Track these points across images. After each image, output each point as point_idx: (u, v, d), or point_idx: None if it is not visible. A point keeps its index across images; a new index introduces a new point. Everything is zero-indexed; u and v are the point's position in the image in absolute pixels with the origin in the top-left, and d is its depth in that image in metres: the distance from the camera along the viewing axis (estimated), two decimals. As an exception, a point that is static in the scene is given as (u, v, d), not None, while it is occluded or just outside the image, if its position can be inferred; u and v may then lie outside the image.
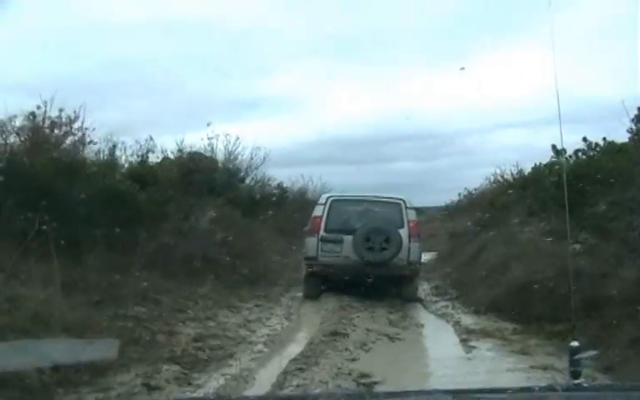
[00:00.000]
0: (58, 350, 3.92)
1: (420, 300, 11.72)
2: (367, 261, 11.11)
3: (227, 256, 12.07)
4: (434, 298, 12.01)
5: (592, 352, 2.07)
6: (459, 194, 23.01)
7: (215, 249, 11.90)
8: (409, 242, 11.31)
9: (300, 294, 11.90)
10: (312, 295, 11.46)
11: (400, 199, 11.89)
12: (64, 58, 20.77)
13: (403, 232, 11.35)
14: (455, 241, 16.95)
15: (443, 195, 23.69)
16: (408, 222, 11.52)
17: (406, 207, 11.68)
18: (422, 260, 12.80)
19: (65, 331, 5.71)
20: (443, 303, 11.22)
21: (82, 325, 6.20)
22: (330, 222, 11.59)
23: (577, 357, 1.96)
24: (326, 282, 11.54)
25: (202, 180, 14.79)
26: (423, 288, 13.01)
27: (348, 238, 11.31)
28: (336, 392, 4.91)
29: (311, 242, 11.60)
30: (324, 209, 11.77)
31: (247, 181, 19.06)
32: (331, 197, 12.39)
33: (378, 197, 12.24)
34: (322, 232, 11.51)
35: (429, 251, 18.26)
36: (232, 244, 12.54)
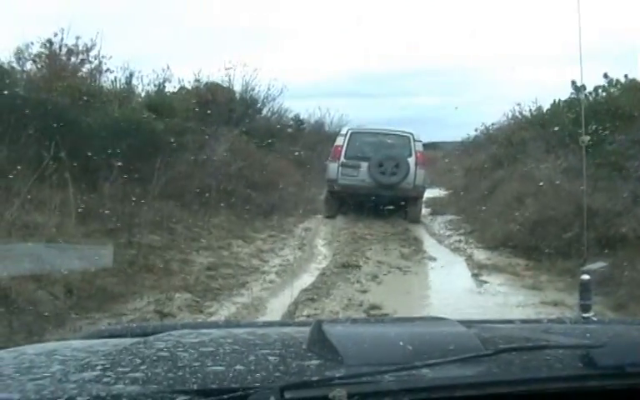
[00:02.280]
0: (51, 255, 3.92)
1: (424, 225, 12.87)
2: (380, 183, 12.92)
3: (242, 187, 12.12)
4: (447, 233, 11.98)
5: (601, 264, 2.02)
6: (476, 130, 22.69)
7: (230, 180, 11.93)
8: (416, 168, 13.09)
9: (313, 226, 12.13)
10: (331, 213, 13.26)
11: (409, 133, 13.68)
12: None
13: (411, 161, 13.14)
14: (471, 176, 16.77)
15: (461, 130, 23.29)
16: (415, 152, 13.29)
17: (414, 140, 13.46)
18: (438, 195, 14.53)
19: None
20: (457, 238, 11.19)
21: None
22: (349, 150, 13.37)
23: (585, 268, 1.91)
24: (343, 203, 13.53)
25: (218, 111, 14.68)
26: (438, 222, 13.13)
27: (364, 164, 13.11)
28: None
29: (332, 167, 13.41)
30: (344, 139, 13.58)
31: (264, 112, 18.91)
32: (350, 129, 14.30)
33: (391, 130, 14.02)
34: (342, 159, 13.30)
35: (445, 186, 18.25)
36: (247, 175, 12.62)
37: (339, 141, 13.75)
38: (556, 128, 12.18)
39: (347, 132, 14.04)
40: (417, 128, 13.61)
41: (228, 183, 11.76)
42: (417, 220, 13.16)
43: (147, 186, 9.03)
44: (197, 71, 16.68)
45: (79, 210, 7.11)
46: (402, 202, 13.19)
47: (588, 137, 9.98)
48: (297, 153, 17.03)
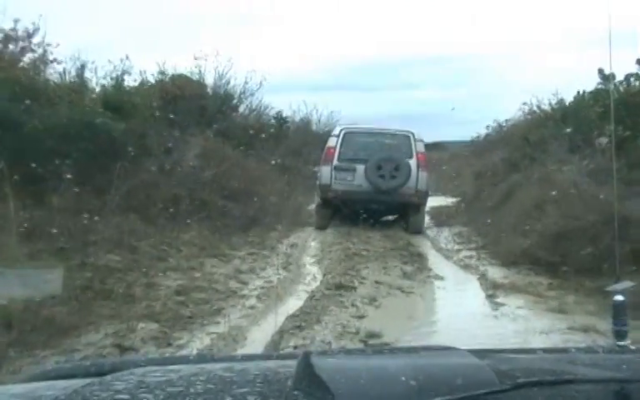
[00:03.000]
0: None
1: (427, 235, 13.21)
2: (378, 188, 13.38)
3: (217, 197, 12.13)
4: (456, 247, 12.04)
5: (628, 284, 1.99)
6: (487, 127, 22.84)
7: (202, 189, 11.96)
8: (417, 171, 13.56)
9: (300, 242, 12.19)
10: (323, 224, 13.66)
11: (409, 132, 14.16)
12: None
13: (412, 162, 13.58)
14: (482, 181, 16.83)
15: (470, 128, 23.52)
16: (417, 153, 13.75)
17: (414, 139, 13.92)
18: (443, 203, 14.82)
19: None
20: (467, 253, 11.23)
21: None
22: (343, 152, 13.83)
23: (610, 288, 1.89)
24: (337, 211, 13.94)
25: (187, 108, 14.67)
26: (444, 235, 13.18)
27: (360, 167, 13.58)
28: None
29: (325, 171, 13.84)
30: (337, 140, 14.03)
31: (241, 109, 18.92)
32: (344, 128, 14.71)
33: (389, 129, 14.60)
34: (335, 162, 13.75)
35: (452, 193, 18.33)
36: (223, 183, 12.62)
37: (332, 142, 14.19)
38: (580, 124, 12.20)
39: (340, 131, 14.48)
40: (418, 126, 14.51)
41: (200, 193, 11.76)
42: (419, 231, 13.55)
43: (105, 197, 8.97)
44: (161, 61, 16.70)
45: (22, 227, 7.01)
46: (403, 210, 13.85)
47: (606, 139, 10.04)
48: (278, 160, 17.02)
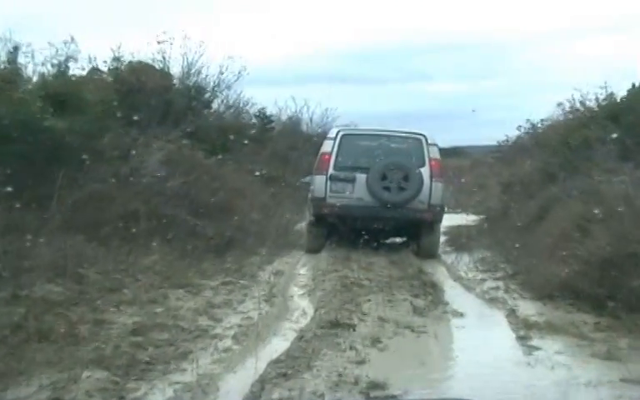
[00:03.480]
0: None
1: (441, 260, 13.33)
2: (383, 202, 13.56)
3: (185, 213, 12.05)
4: (479, 276, 11.99)
5: None
6: (519, 128, 22.78)
7: (167, 204, 11.92)
8: (431, 182, 13.73)
9: (287, 268, 12.20)
10: (315, 247, 13.88)
11: (421, 134, 14.34)
12: None
13: (424, 171, 13.77)
14: (511, 195, 16.83)
15: (495, 130, 23.58)
16: (430, 160, 13.95)
17: (427, 144, 14.11)
18: (464, 221, 15.14)
19: None
20: (492, 284, 11.17)
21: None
22: (340, 158, 14.03)
23: None
24: (333, 231, 14.19)
25: (149, 104, 14.61)
26: (464, 261, 13.17)
27: (361, 177, 13.77)
28: None
29: (318, 182, 14.02)
30: (334, 144, 14.18)
31: (215, 106, 18.84)
32: (341, 130, 14.94)
33: (396, 131, 14.73)
34: (331, 170, 13.90)
35: (474, 209, 18.29)
36: (193, 197, 12.59)
37: (327, 146, 14.37)
38: (635, 125, 12.18)
39: (336, 134, 14.62)
40: (432, 127, 14.74)
41: (165, 208, 11.74)
42: (433, 255, 13.75)
43: (44, 214, 8.86)
44: (115, 45, 16.58)
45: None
46: (414, 230, 14.04)
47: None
48: (263, 170, 16.93)
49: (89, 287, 8.50)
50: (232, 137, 16.43)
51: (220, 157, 15.16)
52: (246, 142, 16.97)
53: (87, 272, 8.84)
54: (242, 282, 10.73)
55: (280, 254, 13.16)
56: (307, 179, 15.24)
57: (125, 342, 7.03)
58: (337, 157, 14.05)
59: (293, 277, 11.68)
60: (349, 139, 14.39)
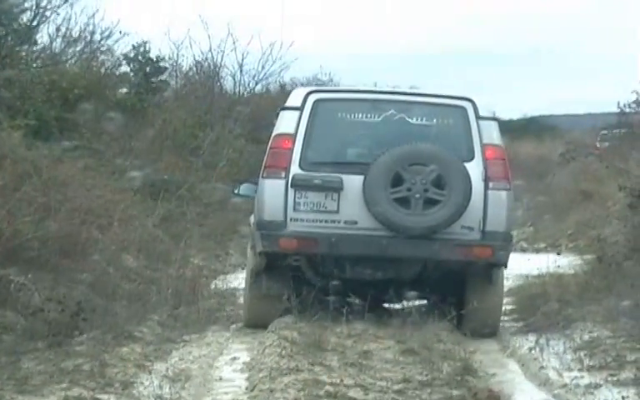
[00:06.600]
0: None
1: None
2: (397, 228, 9.27)
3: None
4: (588, 379, 7.65)
5: None
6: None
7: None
8: (485, 189, 9.50)
9: (195, 367, 8.00)
10: (261, 318, 9.69)
11: (465, 99, 10.00)
12: None
13: (474, 169, 9.46)
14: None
15: (597, 86, 19.22)
16: (484, 147, 9.70)
17: (477, 116, 9.80)
18: (550, 265, 11.34)
19: None
20: (616, 397, 7.00)
21: None
22: (313, 146, 9.85)
23: None
24: (297, 287, 9.57)
25: None
26: (556, 348, 8.73)
27: (353, 181, 9.49)
28: None
29: (270, 193, 9.73)
30: (299, 118, 9.86)
31: (43, 41, 14.17)
32: (313, 92, 10.36)
33: (417, 94, 10.71)
34: (295, 169, 9.66)
35: (567, 240, 14.79)
36: (3, 227, 9.01)
37: (285, 123, 9.88)
38: None
39: (304, 99, 9.95)
40: (486, 91, 10.29)
41: None
42: (491, 330, 9.42)
43: None
44: None
45: None
46: (452, 282, 9.58)
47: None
48: (143, 170, 12.32)
49: None
50: (83, 104, 11.45)
51: (59, 144, 10.70)
52: (111, 115, 11.79)
53: None
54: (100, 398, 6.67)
55: (183, 337, 8.84)
56: (246, 189, 10.63)
57: None
58: (305, 143, 9.55)
59: (209, 384, 7.32)
60: (329, 109, 9.83)
